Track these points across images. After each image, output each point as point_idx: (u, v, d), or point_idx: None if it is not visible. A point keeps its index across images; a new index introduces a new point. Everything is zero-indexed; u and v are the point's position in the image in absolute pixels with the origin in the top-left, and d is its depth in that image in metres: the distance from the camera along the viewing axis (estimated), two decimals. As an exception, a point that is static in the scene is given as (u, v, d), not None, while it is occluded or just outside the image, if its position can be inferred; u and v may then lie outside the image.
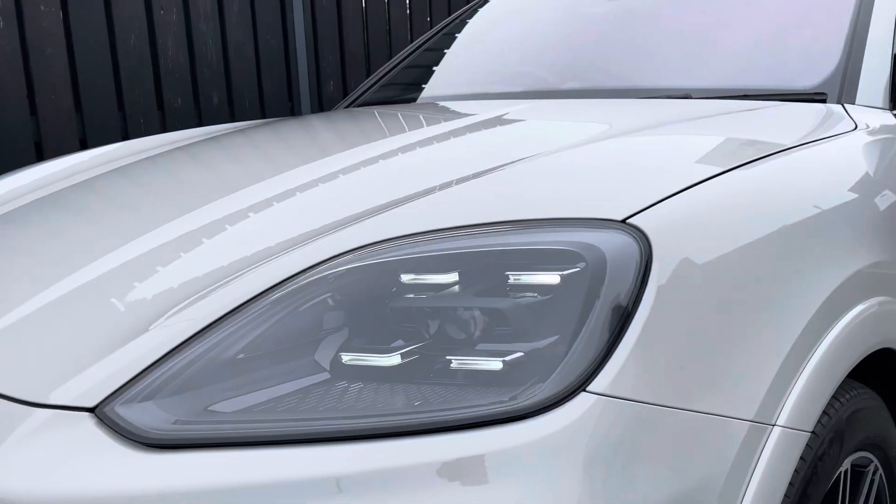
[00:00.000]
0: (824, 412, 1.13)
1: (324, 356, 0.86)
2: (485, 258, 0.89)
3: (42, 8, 3.18)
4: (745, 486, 0.89)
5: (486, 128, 1.43)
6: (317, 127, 1.80)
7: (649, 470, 0.81)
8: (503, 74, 2.13)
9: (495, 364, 0.81)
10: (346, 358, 0.86)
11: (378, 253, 0.91)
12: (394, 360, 0.85)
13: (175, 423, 0.79)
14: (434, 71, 2.34)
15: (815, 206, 1.14)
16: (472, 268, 0.88)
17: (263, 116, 3.95)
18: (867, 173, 1.34)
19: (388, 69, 2.46)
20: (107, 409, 0.81)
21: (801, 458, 1.06)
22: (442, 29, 2.52)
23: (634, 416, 0.81)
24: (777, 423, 0.95)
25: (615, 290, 0.84)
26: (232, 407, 0.82)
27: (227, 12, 3.77)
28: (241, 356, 0.85)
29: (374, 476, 0.76)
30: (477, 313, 0.86)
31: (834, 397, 1.16)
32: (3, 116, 3.10)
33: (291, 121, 2.01)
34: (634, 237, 0.88)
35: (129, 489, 0.76)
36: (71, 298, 0.99)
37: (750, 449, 0.90)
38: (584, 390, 0.79)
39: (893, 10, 1.74)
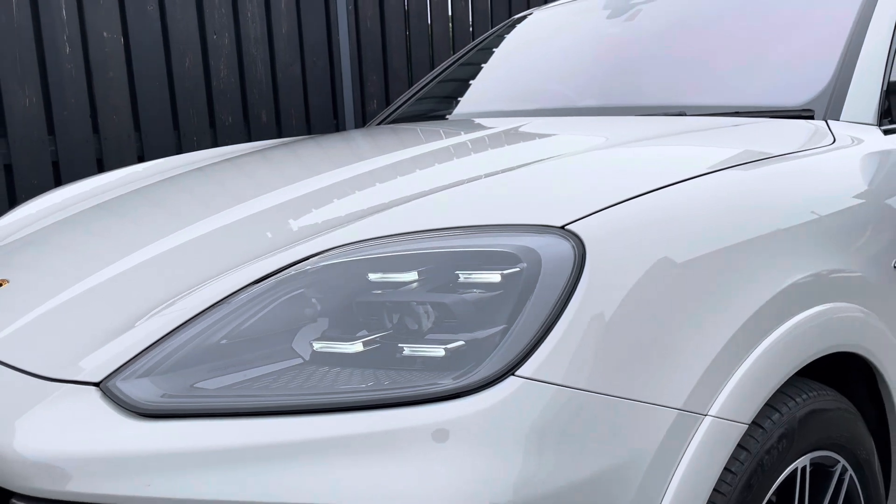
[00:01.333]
0: (775, 409, 1.20)
1: (298, 344, 0.98)
2: (439, 258, 1.00)
3: (105, 35, 3.44)
4: (673, 471, 0.98)
5: (472, 144, 1.55)
6: (329, 144, 1.95)
7: (572, 449, 0.90)
8: (522, 92, 2.25)
9: (439, 351, 0.93)
10: (317, 346, 0.98)
11: (347, 253, 1.04)
12: (357, 347, 0.97)
13: (163, 396, 0.93)
14: (463, 90, 2.47)
15: (770, 214, 1.22)
16: (428, 267, 1.00)
17: (309, 133, 4.14)
18: (835, 184, 1.40)
19: (417, 89, 2.61)
20: (109, 384, 0.95)
21: (746, 449, 1.13)
22: (467, 52, 2.65)
23: (561, 399, 0.91)
24: (709, 414, 1.03)
25: (548, 287, 0.95)
26: (214, 385, 0.95)
27: (276, 36, 3.99)
28: (224, 342, 0.98)
29: (330, 442, 0.88)
30: (429, 307, 0.97)
31: (789, 396, 1.23)
32: (68, 134, 3.36)
33: (308, 139, 2.16)
34: (570, 241, 0.98)
35: (124, 450, 0.90)
36: (91, 293, 1.15)
37: (679, 436, 0.99)
38: (513, 374, 0.90)
39: (888, 31, 1.79)
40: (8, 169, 3.25)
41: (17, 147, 3.24)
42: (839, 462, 1.34)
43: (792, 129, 1.58)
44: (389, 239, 1.05)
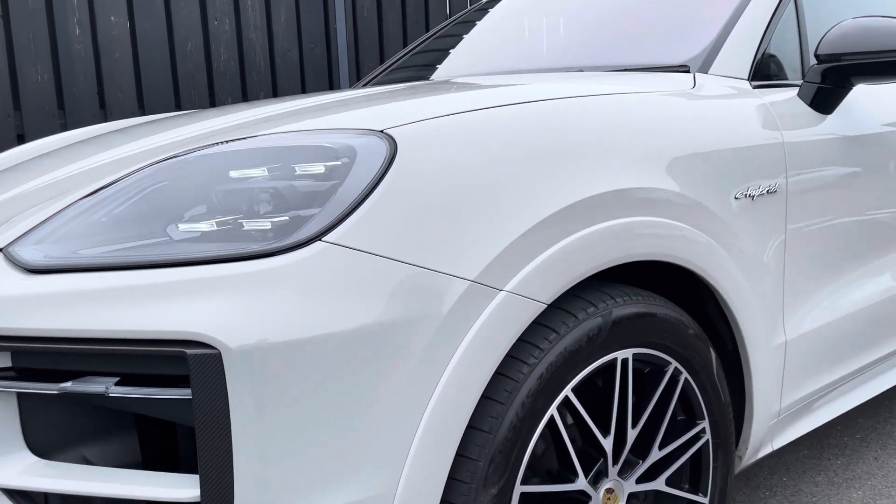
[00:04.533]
0: (592, 304, 1.39)
1: (164, 225, 1.21)
2: (281, 152, 1.23)
3: (112, 19, 3.75)
4: (463, 335, 1.18)
5: (358, 95, 1.77)
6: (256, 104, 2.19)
7: (364, 303, 1.11)
8: (462, 60, 2.50)
9: (267, 225, 1.15)
10: (182, 227, 1.21)
11: (207, 152, 1.27)
12: (212, 226, 1.19)
13: (49, 257, 1.17)
14: (444, 56, 2.72)
15: (597, 134, 1.41)
16: (271, 160, 1.22)
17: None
18: (679, 118, 1.58)
19: (399, 56, 2.88)
20: (10, 249, 1.20)
21: (555, 331, 1.33)
22: (445, 26, 2.91)
23: (358, 261, 1.12)
24: (505, 289, 1.23)
25: (360, 175, 1.16)
26: (93, 252, 1.19)
27: (275, 23, 4.26)
28: (104, 220, 1.22)
29: (182, 285, 1.10)
30: (268, 194, 1.19)
31: (609, 296, 1.42)
32: (77, 109, 3.67)
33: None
34: (385, 141, 1.20)
35: (17, 294, 1.15)
36: (28, 191, 1.42)
37: (471, 304, 1.18)
38: (320, 240, 1.12)
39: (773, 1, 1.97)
40: (21, 139, 3.57)
41: (29, 119, 3.55)
42: (671, 363, 1.52)
43: (660, 77, 1.77)
44: (240, 143, 1.29)
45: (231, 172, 1.24)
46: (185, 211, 1.22)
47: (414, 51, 2.89)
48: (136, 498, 1.13)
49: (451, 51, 2.70)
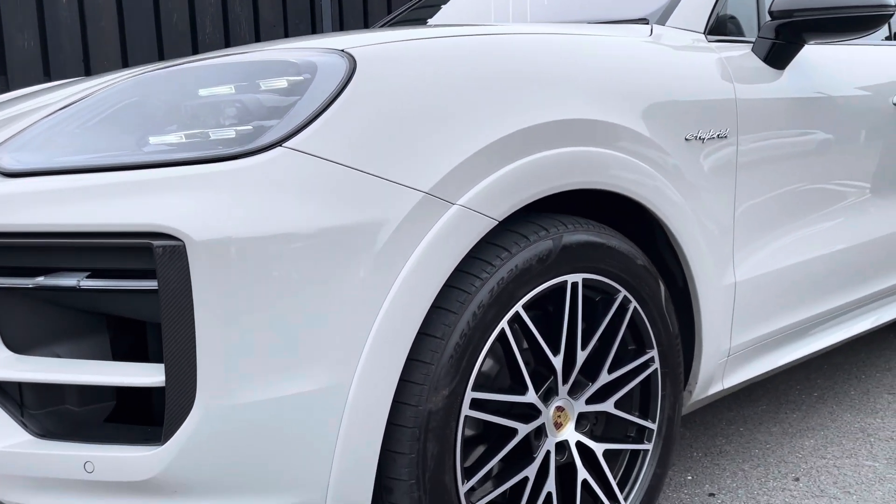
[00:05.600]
0: (544, 228, 1.47)
1: (133, 136, 1.29)
2: (246, 67, 1.31)
3: (99, -12, 3.80)
4: (415, 244, 1.25)
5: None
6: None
7: (323, 209, 1.18)
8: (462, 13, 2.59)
9: (231, 133, 1.23)
10: (152, 139, 1.28)
11: (177, 66, 1.35)
12: (180, 138, 1.27)
13: (22, 162, 1.25)
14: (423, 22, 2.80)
15: (547, 69, 1.49)
16: (237, 76, 1.30)
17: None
18: (630, 60, 1.67)
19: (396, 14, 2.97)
20: None
21: (507, 250, 1.41)
22: None
23: (315, 166, 1.19)
24: (458, 203, 1.31)
25: (321, 89, 1.24)
26: (66, 158, 1.26)
27: (261, -3, 4.33)
28: (77, 131, 1.29)
29: (153, 183, 1.18)
30: (234, 107, 1.27)
31: (562, 223, 1.50)
32: (63, 76, 3.72)
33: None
34: (346, 59, 1.28)
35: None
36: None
37: (423, 214, 1.26)
38: (281, 146, 1.19)
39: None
40: (6, 104, 3.62)
41: (15, 85, 3.60)
42: (620, 292, 1.61)
43: (620, 27, 1.86)
44: (209, 61, 1.37)
45: (200, 89, 1.31)
46: (155, 125, 1.29)
47: (392, 20, 2.97)
48: (104, 384, 1.20)
49: (428, 20, 2.78)
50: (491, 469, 1.47)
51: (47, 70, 3.70)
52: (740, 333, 1.93)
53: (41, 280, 1.20)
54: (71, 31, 3.74)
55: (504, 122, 1.37)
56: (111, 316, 1.35)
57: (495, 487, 1.47)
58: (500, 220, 1.37)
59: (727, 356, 1.92)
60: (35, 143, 1.29)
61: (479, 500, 1.44)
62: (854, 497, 2.02)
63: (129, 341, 1.36)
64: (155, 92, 1.33)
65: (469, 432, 1.49)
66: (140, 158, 1.22)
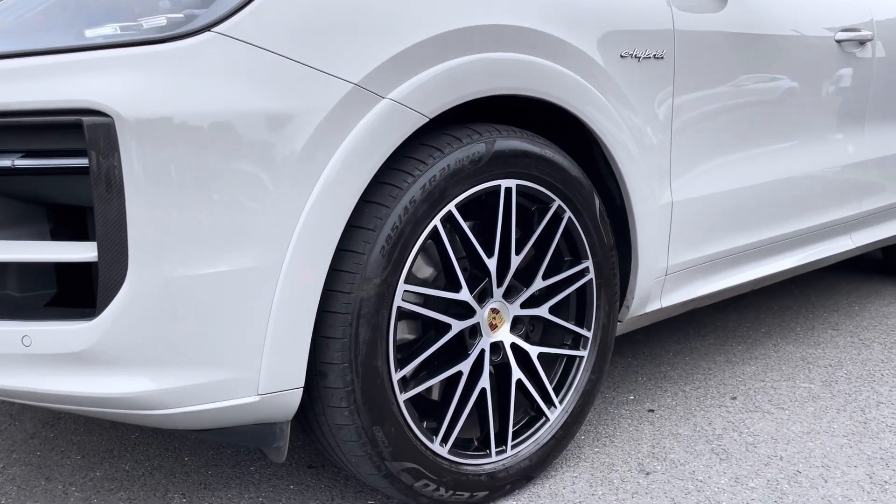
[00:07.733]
0: (476, 132, 1.52)
1: (71, 30, 1.31)
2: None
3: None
4: (344, 135, 1.29)
5: None
6: None
7: (252, 94, 1.22)
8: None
9: (162, 20, 1.26)
10: (88, 32, 1.31)
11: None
12: (112, 29, 1.30)
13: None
14: None
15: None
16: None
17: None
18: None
19: None
20: None
21: (439, 150, 1.46)
22: None
23: (247, 54, 1.23)
24: (388, 97, 1.35)
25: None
26: (4, 46, 1.29)
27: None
28: (15, 21, 1.32)
29: (75, 64, 1.20)
30: (168, 2, 1.31)
31: (496, 130, 1.55)
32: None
33: None
34: None
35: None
36: None
37: (353, 105, 1.30)
38: (210, 31, 1.23)
39: None
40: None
41: None
42: (555, 201, 1.66)
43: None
44: None
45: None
46: (90, 19, 1.32)
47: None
48: (38, 260, 1.24)
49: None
50: (427, 363, 1.53)
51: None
52: (678, 253, 2.00)
53: (-24, 161, 1.24)
54: None
55: (440, 21, 1.41)
56: (52, 207, 1.38)
57: (430, 378, 1.53)
58: (431, 117, 1.41)
59: (664, 274, 1.98)
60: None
61: (412, 388, 1.49)
62: (786, 412, 2.10)
63: (69, 234, 1.40)
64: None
65: (408, 332, 1.55)
66: (75, 43, 1.25)
